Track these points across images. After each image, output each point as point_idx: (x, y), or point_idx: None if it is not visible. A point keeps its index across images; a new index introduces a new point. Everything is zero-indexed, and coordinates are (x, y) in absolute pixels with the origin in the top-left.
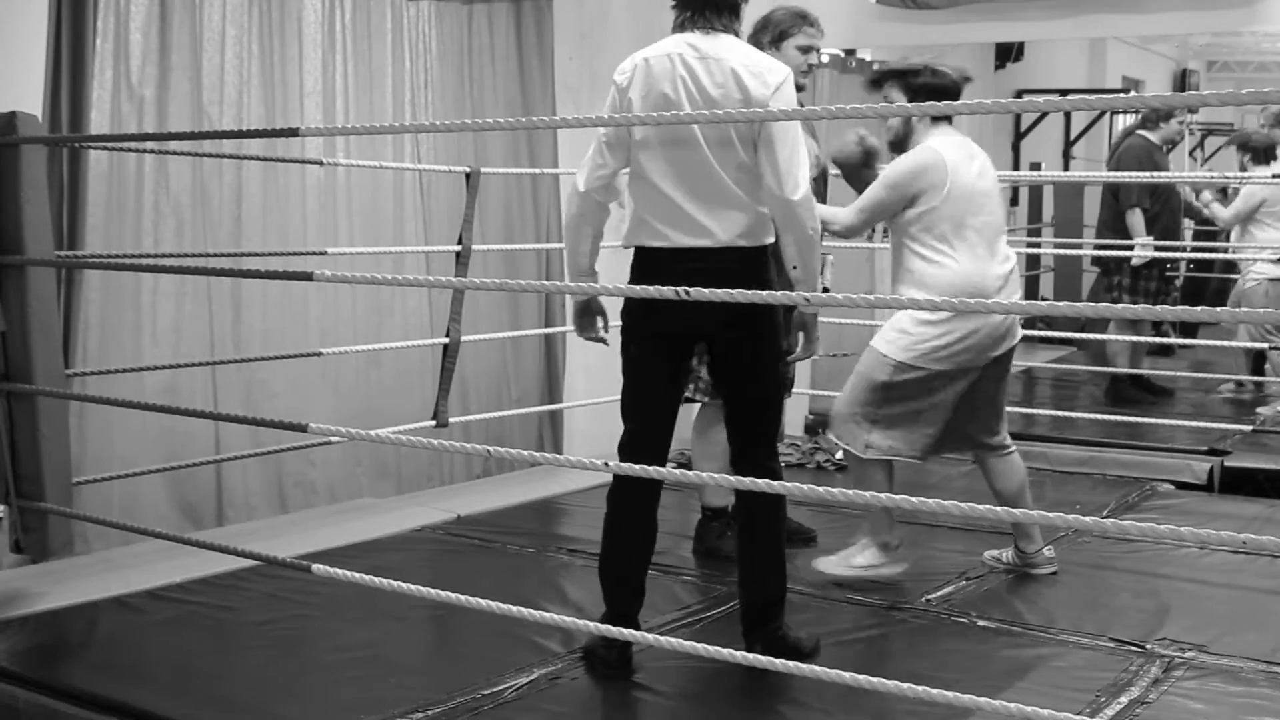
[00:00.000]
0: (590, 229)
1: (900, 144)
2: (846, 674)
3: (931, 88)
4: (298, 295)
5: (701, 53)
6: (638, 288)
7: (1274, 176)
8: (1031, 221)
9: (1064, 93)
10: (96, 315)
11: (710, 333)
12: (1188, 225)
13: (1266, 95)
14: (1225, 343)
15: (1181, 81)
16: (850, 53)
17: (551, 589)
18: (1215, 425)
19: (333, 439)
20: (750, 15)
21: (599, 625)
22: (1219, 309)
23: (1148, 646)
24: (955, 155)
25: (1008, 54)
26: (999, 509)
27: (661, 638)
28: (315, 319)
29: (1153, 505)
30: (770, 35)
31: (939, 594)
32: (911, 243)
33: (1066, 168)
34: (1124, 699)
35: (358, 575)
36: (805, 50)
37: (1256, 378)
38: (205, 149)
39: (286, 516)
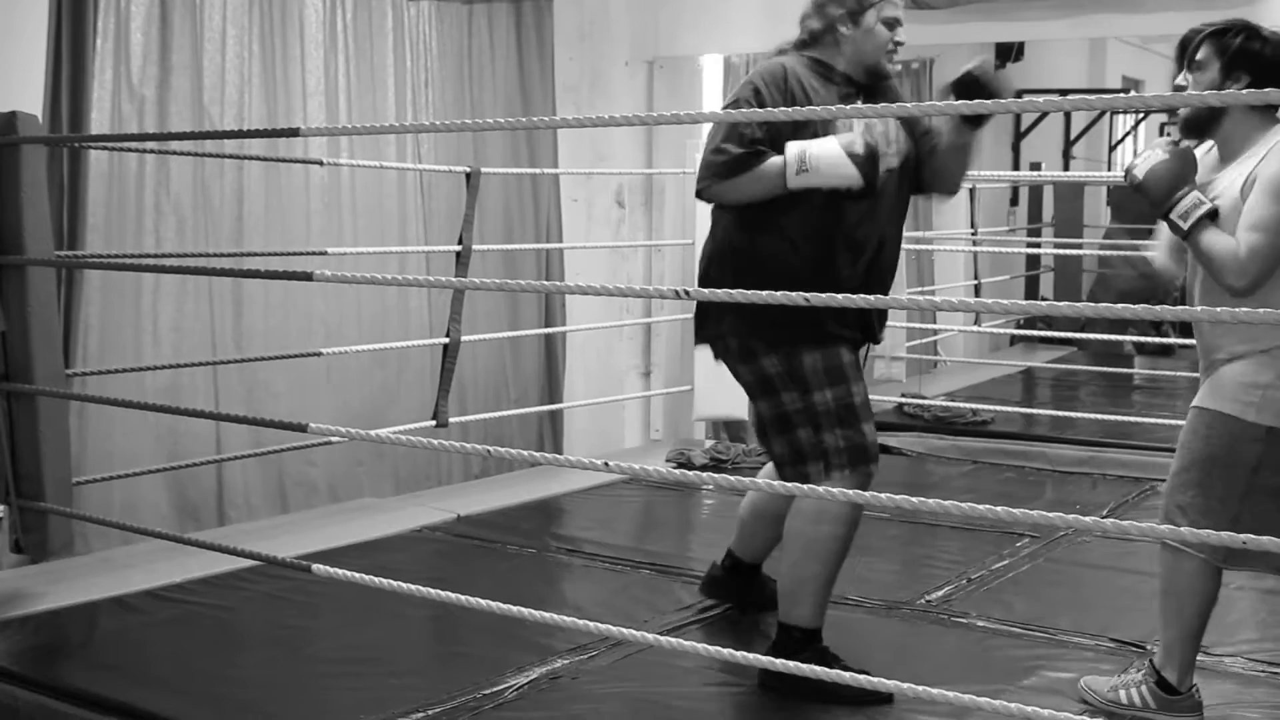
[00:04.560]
0: None
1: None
2: (846, 674)
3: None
4: (298, 295)
5: None
6: (628, 289)
7: None
8: (1031, 221)
9: (1064, 93)
10: (96, 315)
11: None
12: None
13: (1266, 95)
14: None
15: None
16: None
17: (551, 589)
18: None
19: (333, 439)
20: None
21: (599, 625)
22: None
23: (1148, 647)
24: None
25: (1008, 54)
26: (999, 509)
27: (662, 638)
28: (316, 319)
29: (1153, 505)
30: (848, 7)
31: (939, 594)
32: None
33: (1066, 168)
34: None
35: (358, 575)
36: (891, 24)
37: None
38: (206, 149)
39: (287, 516)
